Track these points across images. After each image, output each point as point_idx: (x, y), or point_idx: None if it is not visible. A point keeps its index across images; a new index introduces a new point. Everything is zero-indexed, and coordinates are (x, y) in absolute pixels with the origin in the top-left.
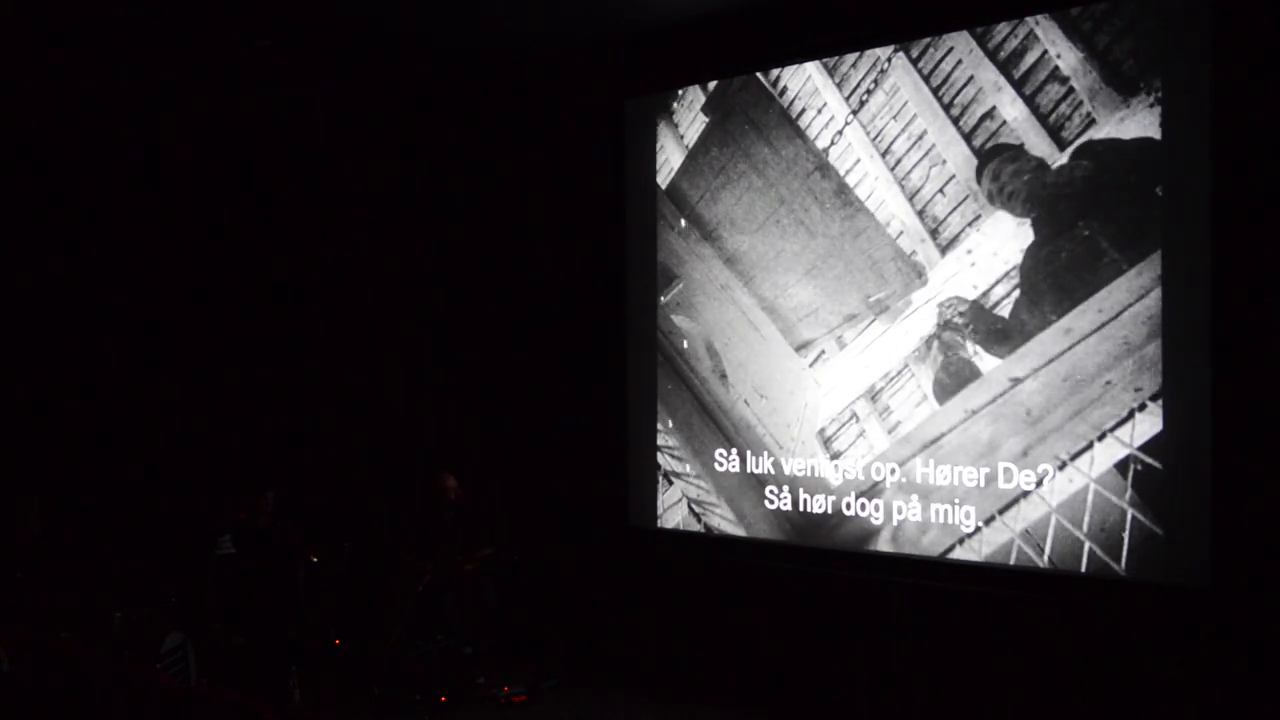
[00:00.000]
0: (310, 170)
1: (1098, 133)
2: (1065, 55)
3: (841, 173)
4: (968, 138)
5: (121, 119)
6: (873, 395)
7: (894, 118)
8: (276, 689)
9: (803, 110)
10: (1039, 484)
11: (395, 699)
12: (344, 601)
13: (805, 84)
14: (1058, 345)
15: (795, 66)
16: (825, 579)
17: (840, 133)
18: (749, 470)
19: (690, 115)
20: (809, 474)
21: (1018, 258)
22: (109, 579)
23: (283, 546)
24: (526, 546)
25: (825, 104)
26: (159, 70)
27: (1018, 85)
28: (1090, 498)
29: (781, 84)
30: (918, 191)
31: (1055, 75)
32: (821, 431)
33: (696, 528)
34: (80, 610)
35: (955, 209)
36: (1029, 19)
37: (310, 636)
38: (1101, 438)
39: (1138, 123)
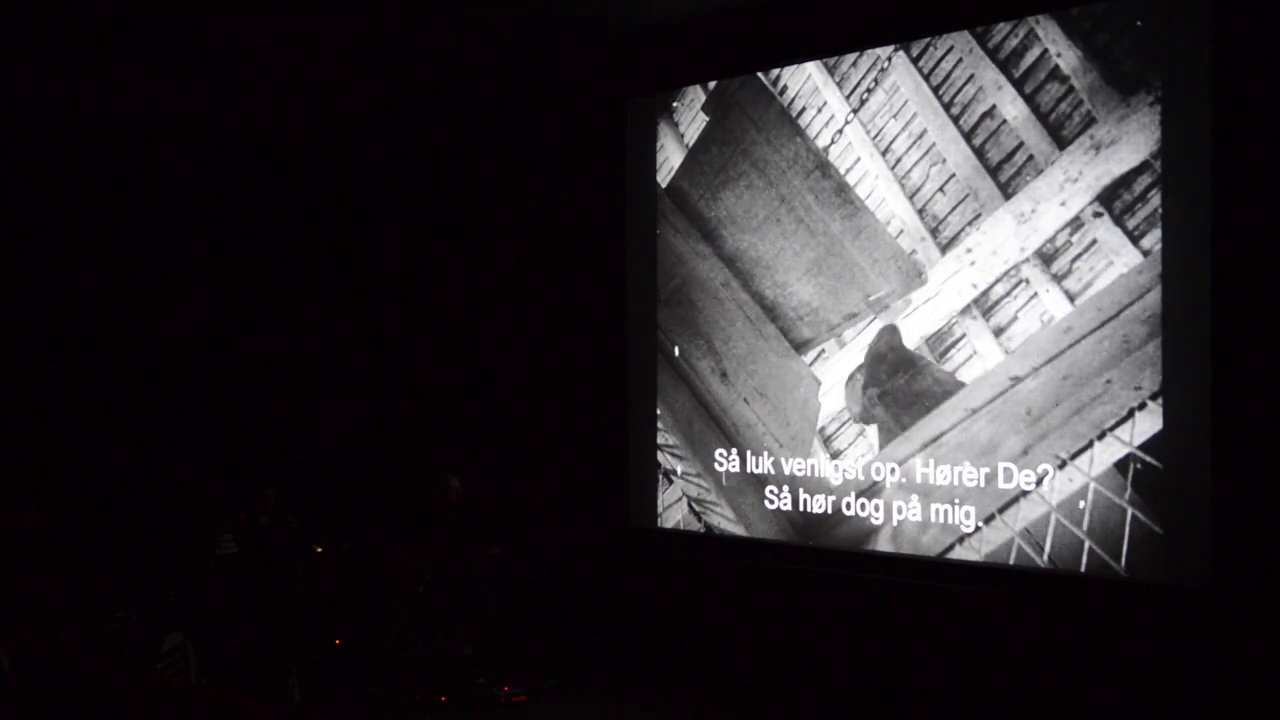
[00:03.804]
0: (308, 170)
1: (1098, 131)
2: (1065, 54)
3: (842, 171)
4: (968, 137)
5: (121, 118)
6: None
7: (894, 117)
8: (276, 689)
9: (803, 109)
10: (1039, 483)
11: (395, 699)
12: (344, 601)
13: (805, 83)
14: (1057, 344)
15: (795, 66)
16: (825, 578)
17: (840, 132)
18: (749, 469)
19: (691, 114)
20: (809, 473)
21: (1018, 256)
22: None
23: (283, 545)
24: (526, 546)
25: (825, 103)
26: (159, 70)
27: (1018, 84)
28: (1090, 497)
29: (782, 83)
30: (918, 190)
31: (1055, 74)
32: (821, 430)
33: (697, 527)
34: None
35: (955, 208)
36: (1029, 18)
37: (310, 636)
38: (1101, 437)
39: (1138, 122)
